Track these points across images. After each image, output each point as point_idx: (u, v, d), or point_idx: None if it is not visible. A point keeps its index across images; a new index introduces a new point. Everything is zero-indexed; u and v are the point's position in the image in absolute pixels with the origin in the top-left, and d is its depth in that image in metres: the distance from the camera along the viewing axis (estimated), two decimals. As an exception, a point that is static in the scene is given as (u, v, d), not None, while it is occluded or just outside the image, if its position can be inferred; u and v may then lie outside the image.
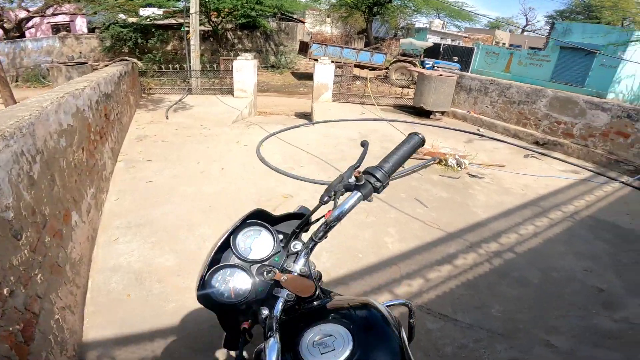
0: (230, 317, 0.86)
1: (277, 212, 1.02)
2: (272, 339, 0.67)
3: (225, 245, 0.91)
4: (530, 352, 1.96)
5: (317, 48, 12.75)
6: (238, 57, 7.45)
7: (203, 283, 0.84)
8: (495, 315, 2.19)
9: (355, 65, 13.22)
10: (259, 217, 0.97)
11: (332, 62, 8.04)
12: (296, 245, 0.88)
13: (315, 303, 0.84)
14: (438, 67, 13.48)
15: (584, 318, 2.21)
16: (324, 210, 0.86)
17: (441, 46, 17.55)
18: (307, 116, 8.09)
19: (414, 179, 4.34)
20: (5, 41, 14.72)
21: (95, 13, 14.21)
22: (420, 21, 25.12)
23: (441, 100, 7.62)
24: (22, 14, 15.92)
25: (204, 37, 14.19)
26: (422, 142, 0.89)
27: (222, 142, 5.05)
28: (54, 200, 2.10)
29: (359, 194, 0.81)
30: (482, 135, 6.84)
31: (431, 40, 19.53)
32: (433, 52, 16.85)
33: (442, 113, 7.91)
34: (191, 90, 8.34)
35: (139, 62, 7.15)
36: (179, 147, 4.72)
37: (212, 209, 3.20)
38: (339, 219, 0.81)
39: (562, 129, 6.42)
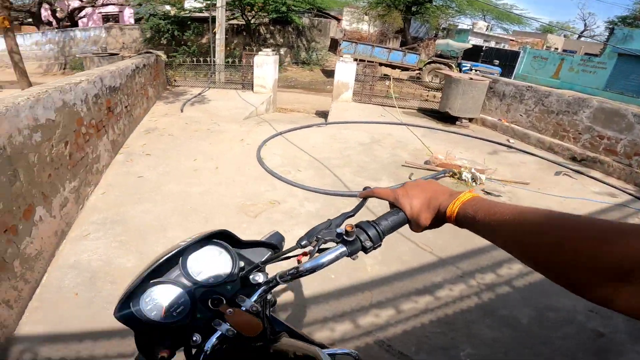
0: (150, 337, 0.74)
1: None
2: None
3: (173, 259, 0.76)
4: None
5: (347, 45, 12.44)
6: (259, 53, 7.38)
7: (129, 295, 0.71)
8: (463, 363, 1.90)
9: (387, 65, 12.77)
10: (223, 238, 0.80)
11: (363, 60, 7.77)
12: (257, 278, 0.76)
13: (258, 343, 0.73)
14: (476, 70, 12.76)
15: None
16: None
17: (482, 48, 16.57)
18: (327, 115, 7.88)
19: (418, 192, 4.01)
20: (56, 30, 15.78)
21: (140, 4, 14.81)
22: (464, 22, 24.05)
23: (469, 106, 7.09)
24: (76, 4, 16.98)
25: (237, 31, 14.33)
26: None
27: (227, 139, 4.97)
28: (13, 196, 2.08)
29: (343, 249, 0.66)
30: (511, 147, 6.28)
31: (473, 42, 18.61)
32: (473, 54, 16.00)
33: (470, 120, 7.37)
34: (214, 84, 8.41)
35: (163, 55, 7.29)
36: (182, 143, 4.71)
37: (192, 211, 3.11)
38: (312, 271, 0.66)
39: (605, 144, 5.72)
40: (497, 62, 14.64)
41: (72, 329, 1.90)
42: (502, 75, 12.81)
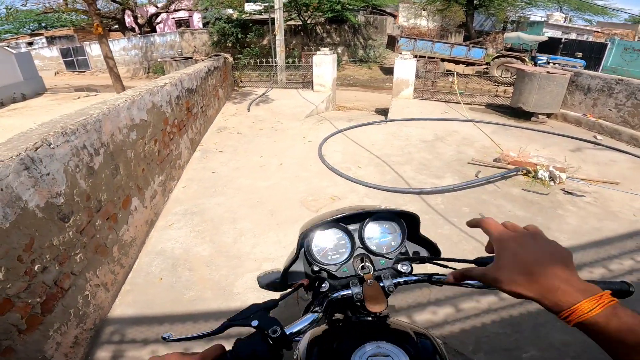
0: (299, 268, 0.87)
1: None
2: (314, 314, 0.68)
3: (356, 217, 0.87)
4: None
5: (405, 42, 12.10)
6: (317, 52, 7.51)
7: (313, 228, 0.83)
8: (527, 364, 1.78)
9: (449, 60, 12.20)
10: (406, 219, 0.89)
11: (422, 56, 7.53)
12: (403, 267, 0.83)
13: (369, 318, 0.78)
14: (554, 64, 11.63)
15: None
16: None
17: (561, 41, 15.08)
18: (387, 113, 7.77)
19: (486, 192, 3.80)
20: (139, 36, 17.56)
21: (206, 9, 15.85)
22: (537, 14, 22.05)
23: (546, 101, 6.51)
24: (152, 10, 18.70)
25: (295, 31, 14.68)
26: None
27: (289, 137, 5.17)
28: (115, 187, 2.40)
29: None
30: (598, 144, 5.63)
31: (549, 34, 17.13)
32: (551, 47, 14.68)
33: (548, 115, 6.76)
34: (277, 84, 8.75)
35: (230, 57, 7.76)
36: (250, 140, 5.00)
37: (259, 204, 3.31)
38: (480, 287, 0.68)
39: None
40: (579, 54, 13.25)
41: (155, 312, 2.13)
42: (587, 68, 11.51)
